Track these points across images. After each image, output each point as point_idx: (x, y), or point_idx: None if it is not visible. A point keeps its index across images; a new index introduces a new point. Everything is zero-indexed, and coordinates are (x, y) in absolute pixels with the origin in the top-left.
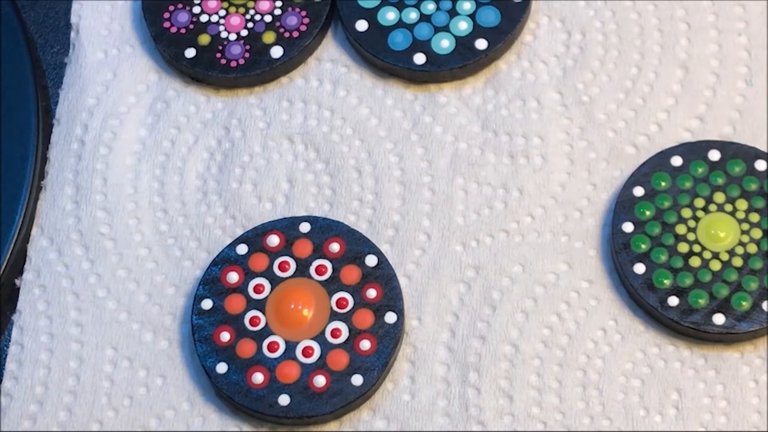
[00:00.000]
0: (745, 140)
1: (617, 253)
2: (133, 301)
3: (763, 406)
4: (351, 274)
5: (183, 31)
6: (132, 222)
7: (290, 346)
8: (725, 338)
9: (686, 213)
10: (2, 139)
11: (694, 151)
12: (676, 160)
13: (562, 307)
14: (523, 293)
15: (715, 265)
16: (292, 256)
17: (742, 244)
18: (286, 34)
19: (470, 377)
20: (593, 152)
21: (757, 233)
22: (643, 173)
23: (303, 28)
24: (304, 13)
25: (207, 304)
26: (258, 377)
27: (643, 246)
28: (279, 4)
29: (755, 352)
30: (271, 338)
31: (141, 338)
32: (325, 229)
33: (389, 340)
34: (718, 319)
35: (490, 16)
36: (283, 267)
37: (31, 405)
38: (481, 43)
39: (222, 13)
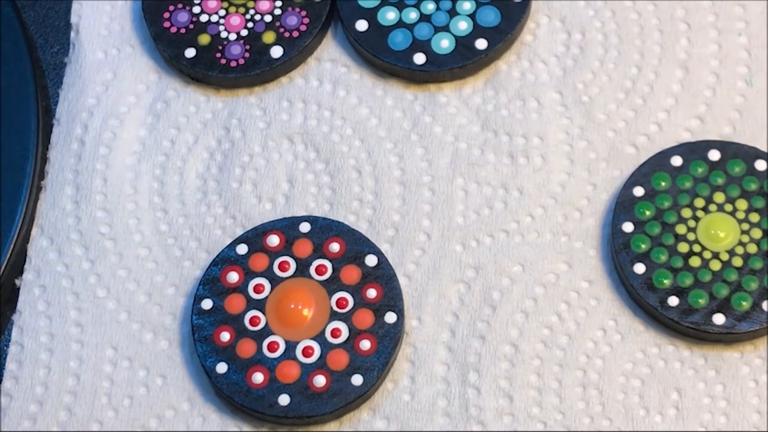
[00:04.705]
0: (745, 140)
1: (617, 253)
2: (133, 301)
3: (763, 406)
4: (351, 274)
5: (183, 31)
6: (132, 222)
7: (290, 346)
8: (725, 338)
9: (686, 213)
10: (2, 139)
11: (694, 151)
12: (676, 160)
13: (562, 307)
14: (523, 293)
15: (715, 265)
16: (292, 256)
17: (742, 244)
18: (286, 34)
19: (470, 377)
20: (593, 152)
21: (757, 233)
22: (643, 173)
23: (303, 28)
24: (304, 13)
25: (207, 304)
26: (258, 377)
27: (643, 246)
28: (279, 4)
29: (755, 352)
30: (271, 338)
31: (141, 338)
32: (325, 229)
33: (389, 340)
34: (718, 319)
35: (490, 16)
36: (283, 267)
37: (31, 405)
38: (481, 43)
39: (222, 13)
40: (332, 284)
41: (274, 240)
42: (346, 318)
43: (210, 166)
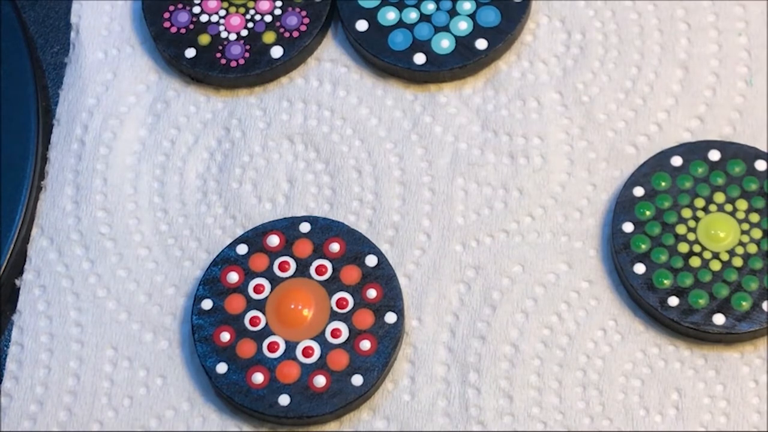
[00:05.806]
0: (745, 140)
1: (617, 253)
2: (133, 301)
3: (763, 406)
4: (351, 274)
5: (183, 31)
6: (132, 222)
7: (290, 346)
8: (725, 338)
9: (686, 213)
10: (2, 139)
11: (694, 151)
12: (676, 160)
13: (562, 307)
14: (523, 293)
15: (715, 265)
16: (292, 256)
17: (742, 244)
18: (286, 34)
19: (470, 377)
20: (593, 152)
21: (757, 233)
22: (643, 173)
23: (303, 28)
24: (304, 13)
25: (207, 304)
26: (258, 377)
27: (643, 246)
28: (279, 4)
29: (755, 352)
30: (271, 338)
31: (141, 338)
32: (325, 229)
33: (389, 340)
34: (718, 319)
35: (490, 16)
36: (283, 267)
37: (31, 405)
38: (481, 43)
39: (222, 13)
40: (332, 284)
41: (274, 240)
42: (346, 318)
43: (210, 166)
